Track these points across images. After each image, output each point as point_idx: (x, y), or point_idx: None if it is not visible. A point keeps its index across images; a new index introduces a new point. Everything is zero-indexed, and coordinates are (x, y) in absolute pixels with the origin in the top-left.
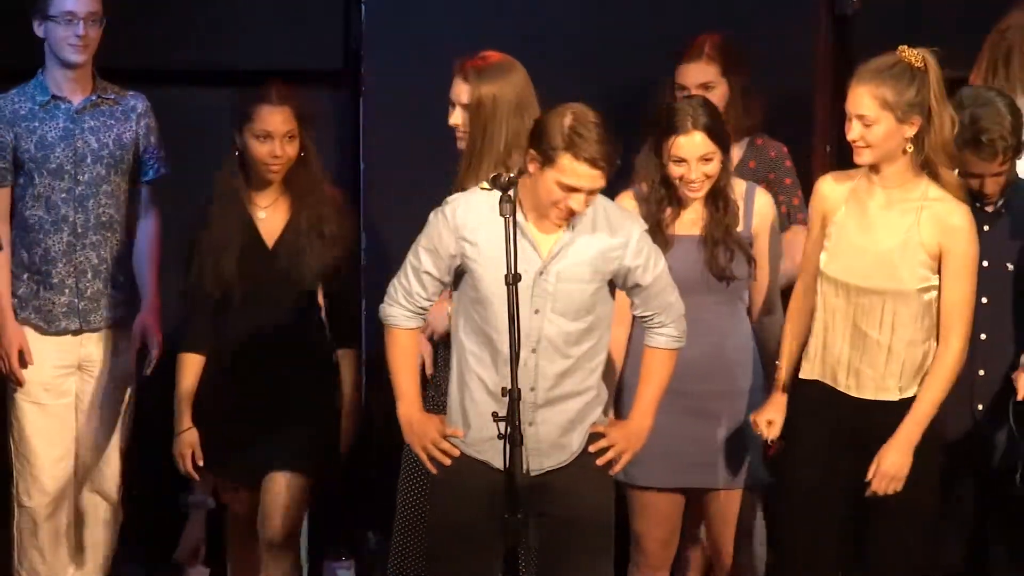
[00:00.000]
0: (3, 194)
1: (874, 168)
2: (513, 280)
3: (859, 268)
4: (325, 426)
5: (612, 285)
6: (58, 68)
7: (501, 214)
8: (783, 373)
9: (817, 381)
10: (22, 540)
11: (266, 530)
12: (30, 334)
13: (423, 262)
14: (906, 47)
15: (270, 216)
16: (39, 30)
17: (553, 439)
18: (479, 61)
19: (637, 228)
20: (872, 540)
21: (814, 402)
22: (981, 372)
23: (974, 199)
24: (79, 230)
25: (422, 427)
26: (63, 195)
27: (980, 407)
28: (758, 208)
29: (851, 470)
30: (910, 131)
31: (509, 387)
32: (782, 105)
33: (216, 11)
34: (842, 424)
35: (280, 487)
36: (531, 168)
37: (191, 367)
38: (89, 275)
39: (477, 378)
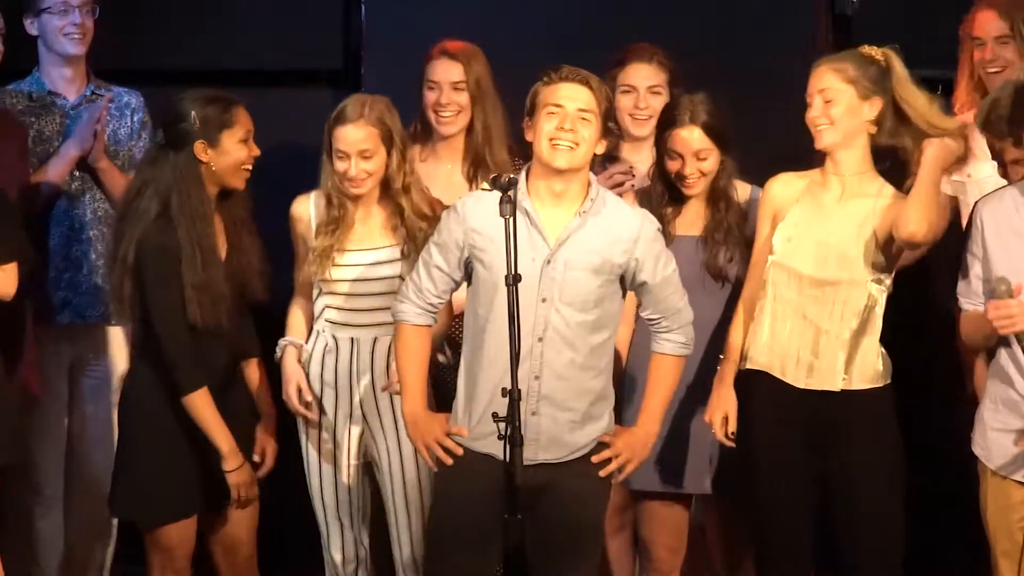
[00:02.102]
0: None
1: (830, 156)
2: (514, 280)
3: (814, 258)
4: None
5: (623, 285)
6: (54, 65)
7: (501, 215)
8: (731, 369)
9: (764, 372)
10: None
11: (239, 562)
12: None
13: (433, 257)
14: (867, 46)
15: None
16: (32, 27)
17: (553, 433)
18: (456, 44)
19: (650, 224)
20: (846, 539)
21: (764, 395)
22: None
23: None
24: (76, 225)
25: (426, 424)
26: (64, 192)
27: None
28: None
29: (808, 466)
30: (870, 111)
31: (509, 387)
32: (782, 105)
33: (216, 11)
34: (793, 417)
35: (250, 516)
36: (528, 136)
37: (210, 400)
38: (85, 270)
39: (482, 372)
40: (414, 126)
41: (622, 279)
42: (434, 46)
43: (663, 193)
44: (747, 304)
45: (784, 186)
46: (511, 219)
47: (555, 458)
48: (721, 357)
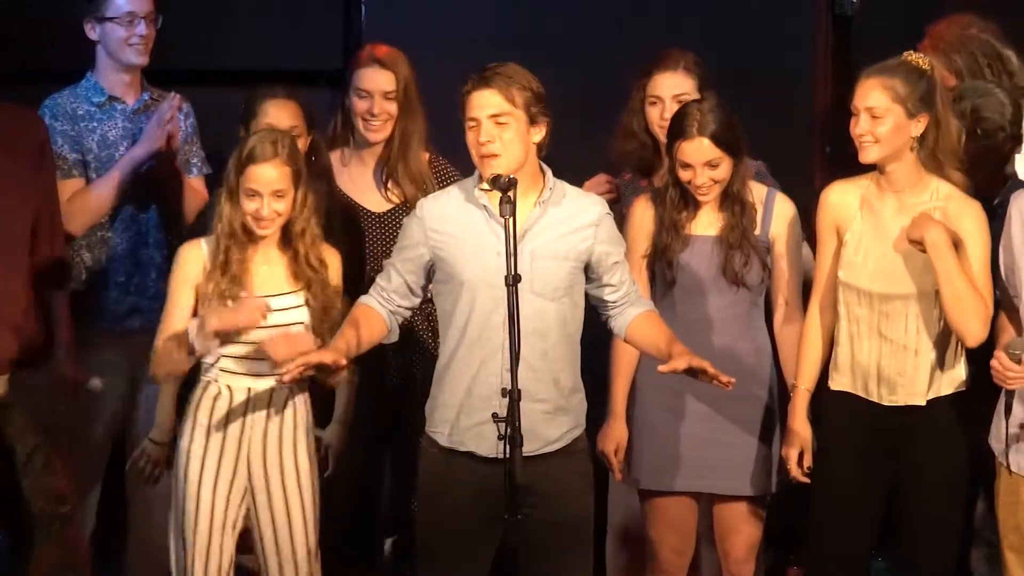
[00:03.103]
0: (72, 185)
1: (880, 170)
2: (513, 281)
3: (882, 276)
4: None
5: (587, 273)
6: (114, 71)
7: (502, 215)
8: (805, 398)
9: (848, 392)
10: None
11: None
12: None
13: (393, 256)
14: (912, 52)
15: None
16: (92, 32)
17: (526, 426)
18: (385, 50)
19: (605, 209)
20: (912, 524)
21: (847, 414)
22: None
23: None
24: (143, 229)
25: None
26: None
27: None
28: (778, 214)
29: (887, 473)
30: (917, 129)
31: (504, 386)
32: (782, 105)
33: (216, 11)
34: (876, 432)
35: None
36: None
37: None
38: (153, 275)
39: (451, 370)
40: (333, 128)
41: (587, 268)
42: (361, 52)
43: (677, 198)
44: (820, 322)
45: (841, 195)
46: (511, 219)
47: (528, 451)
48: (793, 385)
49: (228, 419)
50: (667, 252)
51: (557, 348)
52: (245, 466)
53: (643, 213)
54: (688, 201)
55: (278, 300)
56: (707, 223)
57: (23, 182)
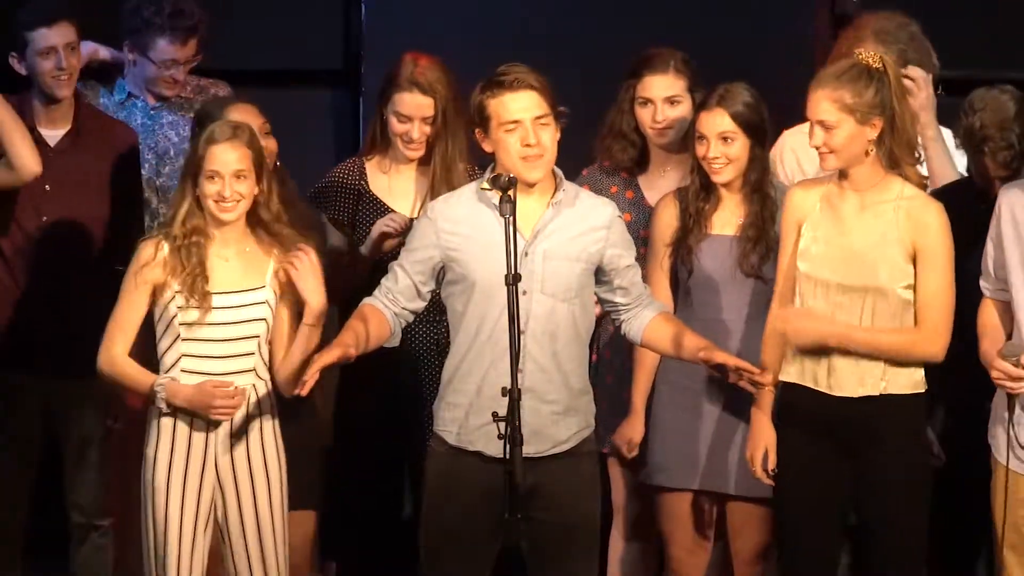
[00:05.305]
0: None
1: (842, 173)
2: (513, 280)
3: (838, 267)
4: None
5: (598, 276)
6: (141, 77)
7: (501, 214)
8: (768, 396)
9: (798, 385)
10: None
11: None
12: None
13: (401, 258)
14: (862, 49)
15: None
16: (131, 53)
17: (535, 426)
18: (423, 69)
19: (616, 212)
20: (869, 542)
21: (798, 408)
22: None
23: (985, 200)
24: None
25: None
26: (147, 189)
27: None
28: None
29: (843, 477)
30: (872, 133)
31: (505, 385)
32: (782, 105)
33: (216, 11)
34: (828, 428)
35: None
36: (486, 147)
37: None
38: None
39: (461, 370)
40: (371, 137)
41: (598, 271)
42: (401, 69)
43: (699, 185)
44: (772, 333)
45: (803, 194)
46: (511, 218)
47: (537, 452)
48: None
49: (192, 420)
50: (687, 239)
51: (568, 349)
52: (213, 463)
53: (666, 211)
54: (710, 191)
55: (238, 297)
56: (725, 222)
57: (103, 193)
